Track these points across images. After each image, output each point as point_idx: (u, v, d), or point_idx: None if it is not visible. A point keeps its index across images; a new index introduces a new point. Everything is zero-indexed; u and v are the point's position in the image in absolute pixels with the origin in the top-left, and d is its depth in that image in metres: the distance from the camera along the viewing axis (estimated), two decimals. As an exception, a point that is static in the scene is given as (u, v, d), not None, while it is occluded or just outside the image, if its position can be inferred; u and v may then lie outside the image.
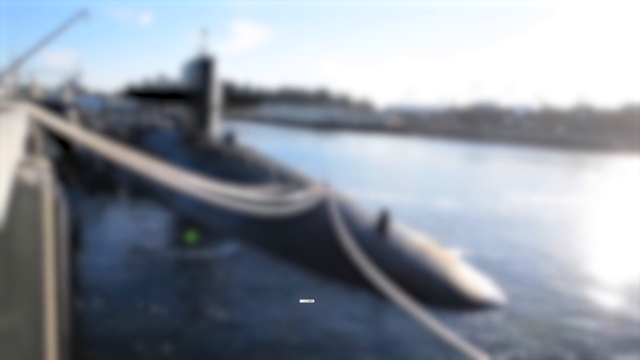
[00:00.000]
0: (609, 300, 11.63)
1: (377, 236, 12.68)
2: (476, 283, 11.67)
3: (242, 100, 43.44)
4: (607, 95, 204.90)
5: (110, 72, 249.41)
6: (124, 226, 16.51)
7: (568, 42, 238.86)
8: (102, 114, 48.99)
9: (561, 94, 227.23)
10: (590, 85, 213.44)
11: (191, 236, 14.26)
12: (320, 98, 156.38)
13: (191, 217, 16.83)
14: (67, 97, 41.18)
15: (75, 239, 12.13)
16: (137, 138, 30.08)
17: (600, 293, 12.05)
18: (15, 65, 39.50)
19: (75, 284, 9.68)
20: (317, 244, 12.79)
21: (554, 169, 48.80)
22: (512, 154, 64.83)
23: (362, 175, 32.48)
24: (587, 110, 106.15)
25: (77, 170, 22.88)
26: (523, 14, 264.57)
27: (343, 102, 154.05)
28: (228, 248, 14.14)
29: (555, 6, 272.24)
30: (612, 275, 13.80)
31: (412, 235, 13.51)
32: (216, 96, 26.41)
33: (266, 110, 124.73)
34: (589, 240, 18.39)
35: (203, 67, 26.00)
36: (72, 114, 27.44)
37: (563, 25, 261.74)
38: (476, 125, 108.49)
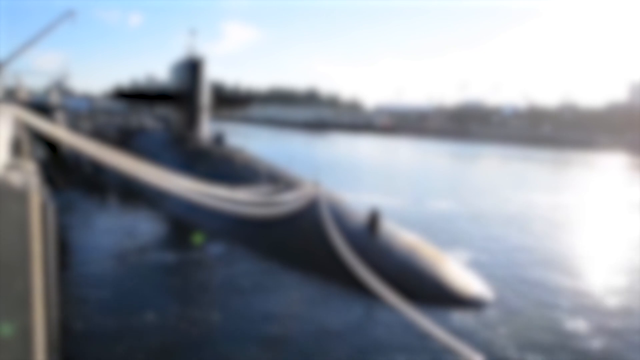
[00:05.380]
0: (597, 298, 11.82)
1: (368, 235, 12.74)
2: (465, 280, 11.78)
3: (231, 101, 43.17)
4: (592, 94, 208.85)
5: (99, 74, 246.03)
6: (112, 229, 16.35)
7: (554, 42, 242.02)
8: (90, 115, 48.42)
9: (547, 93, 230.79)
10: (576, 84, 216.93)
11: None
12: (310, 98, 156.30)
13: (181, 218, 16.73)
14: (54, 98, 40.62)
15: (63, 242, 12.00)
16: (125, 140, 29.78)
17: (588, 289, 12.25)
18: (0, 66, 38.82)
19: (64, 289, 9.57)
20: (308, 243, 12.81)
21: (542, 167, 49.41)
22: (500, 152, 65.48)
23: (354, 176, 32.55)
24: (573, 109, 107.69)
25: (65, 173, 22.60)
26: (510, 14, 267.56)
27: (332, 102, 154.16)
28: (218, 249, 14.10)
29: (541, 7, 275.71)
30: (600, 271, 14.03)
31: (402, 234, 13.59)
32: (205, 97, 26.27)
33: (256, 110, 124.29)
34: (581, 238, 18.68)
35: (192, 68, 25.84)
36: (60, 115, 27.06)
37: (549, 26, 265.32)
38: (465, 124, 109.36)
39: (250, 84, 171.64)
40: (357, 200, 17.74)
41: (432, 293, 10.87)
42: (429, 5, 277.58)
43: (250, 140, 47.93)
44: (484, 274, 12.53)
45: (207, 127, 26.80)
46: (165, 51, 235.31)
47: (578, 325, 9.92)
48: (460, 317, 9.99)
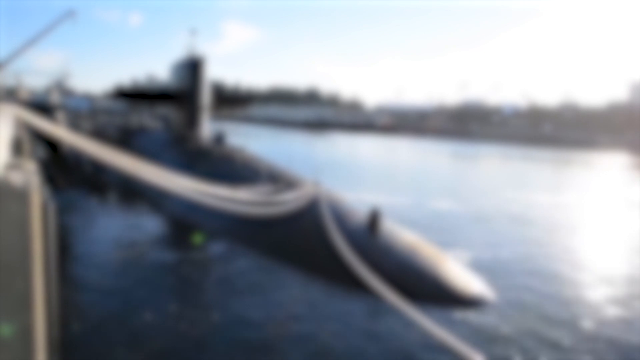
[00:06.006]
0: (597, 297, 11.81)
1: (368, 235, 12.73)
2: (466, 280, 11.77)
3: (231, 101, 43.13)
4: (593, 94, 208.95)
5: (99, 74, 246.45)
6: (113, 229, 16.35)
7: (554, 42, 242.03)
8: (90, 115, 48.44)
9: (547, 92, 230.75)
10: (576, 84, 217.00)
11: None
12: (310, 98, 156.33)
13: (181, 218, 16.72)
14: (55, 98, 40.58)
15: (63, 242, 11.99)
16: (126, 139, 29.80)
17: (588, 289, 12.24)
18: (0, 66, 38.78)
19: (64, 289, 9.57)
20: (308, 243, 12.80)
21: (542, 167, 49.39)
22: (500, 151, 65.46)
23: (354, 176, 32.54)
24: (573, 108, 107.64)
25: (65, 173, 22.61)
26: (510, 14, 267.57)
27: (333, 102, 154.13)
28: (219, 248, 14.09)
29: (541, 7, 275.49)
30: (600, 271, 14.01)
31: (402, 234, 13.58)
32: (206, 96, 26.27)
33: (256, 110, 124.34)
34: (582, 238, 18.68)
35: (192, 68, 25.84)
36: (60, 115, 27.06)
37: (549, 26, 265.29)
38: (465, 123, 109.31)
39: (251, 84, 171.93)
40: (358, 200, 17.74)
41: (433, 292, 10.86)
42: (429, 5, 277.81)
43: (250, 140, 47.91)
44: (485, 273, 12.53)
45: (207, 127, 26.80)
46: (165, 51, 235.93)
47: (579, 324, 9.92)
48: (460, 316, 9.99)
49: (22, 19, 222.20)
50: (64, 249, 11.79)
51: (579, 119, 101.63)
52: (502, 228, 18.96)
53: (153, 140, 29.09)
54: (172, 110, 30.75)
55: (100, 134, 28.95)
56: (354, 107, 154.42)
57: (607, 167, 52.17)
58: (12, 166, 5.96)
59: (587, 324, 9.97)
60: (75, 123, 32.42)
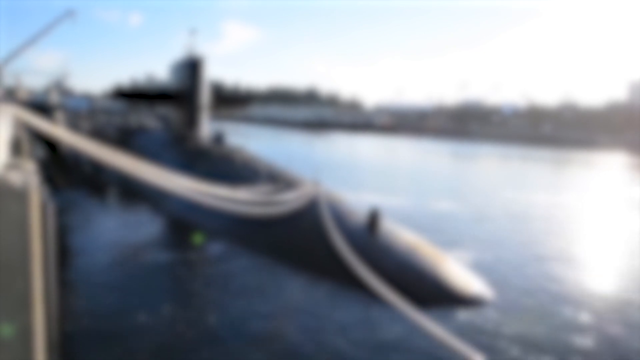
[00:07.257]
0: (598, 295, 11.82)
1: (368, 235, 12.73)
2: (466, 280, 11.77)
3: (231, 100, 43.12)
4: (592, 93, 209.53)
5: (98, 74, 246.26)
6: (112, 229, 16.34)
7: (554, 42, 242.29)
8: (89, 115, 48.41)
9: (547, 92, 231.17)
10: (576, 84, 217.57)
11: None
12: (310, 98, 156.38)
13: (181, 218, 16.71)
14: (54, 98, 40.53)
15: (63, 242, 11.98)
16: (125, 139, 29.79)
17: (588, 287, 12.24)
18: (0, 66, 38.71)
19: (64, 289, 9.56)
20: (308, 243, 12.80)
21: (542, 166, 49.40)
22: (500, 151, 65.47)
23: (354, 176, 32.53)
24: (573, 108, 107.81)
25: (64, 172, 22.60)
26: (510, 14, 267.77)
27: (332, 102, 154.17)
28: (218, 248, 14.08)
29: (541, 7, 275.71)
30: (600, 270, 14.02)
31: (402, 234, 13.58)
32: (205, 96, 26.27)
33: (256, 110, 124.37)
34: (581, 237, 18.68)
35: (191, 67, 25.83)
36: (60, 115, 27.03)
37: (549, 26, 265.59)
38: (465, 123, 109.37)
39: (250, 84, 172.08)
40: (357, 200, 17.73)
41: (432, 292, 10.86)
42: (429, 5, 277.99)
43: (250, 140, 47.93)
44: (484, 273, 12.52)
45: (206, 127, 26.79)
46: (165, 51, 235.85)
47: (579, 323, 9.92)
48: (460, 316, 9.99)
49: (22, 19, 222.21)
50: (63, 248, 11.79)
51: (578, 119, 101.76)
52: (502, 228, 18.96)
53: (152, 140, 29.07)
54: (172, 110, 30.74)
55: (99, 134, 28.94)
56: (354, 107, 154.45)
57: (606, 167, 52.20)
58: (11, 166, 5.96)
59: (586, 323, 9.96)
60: (74, 123, 32.41)
